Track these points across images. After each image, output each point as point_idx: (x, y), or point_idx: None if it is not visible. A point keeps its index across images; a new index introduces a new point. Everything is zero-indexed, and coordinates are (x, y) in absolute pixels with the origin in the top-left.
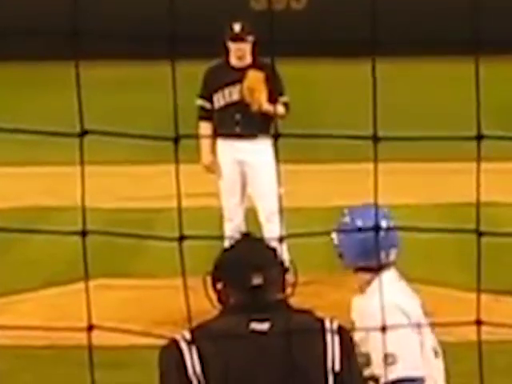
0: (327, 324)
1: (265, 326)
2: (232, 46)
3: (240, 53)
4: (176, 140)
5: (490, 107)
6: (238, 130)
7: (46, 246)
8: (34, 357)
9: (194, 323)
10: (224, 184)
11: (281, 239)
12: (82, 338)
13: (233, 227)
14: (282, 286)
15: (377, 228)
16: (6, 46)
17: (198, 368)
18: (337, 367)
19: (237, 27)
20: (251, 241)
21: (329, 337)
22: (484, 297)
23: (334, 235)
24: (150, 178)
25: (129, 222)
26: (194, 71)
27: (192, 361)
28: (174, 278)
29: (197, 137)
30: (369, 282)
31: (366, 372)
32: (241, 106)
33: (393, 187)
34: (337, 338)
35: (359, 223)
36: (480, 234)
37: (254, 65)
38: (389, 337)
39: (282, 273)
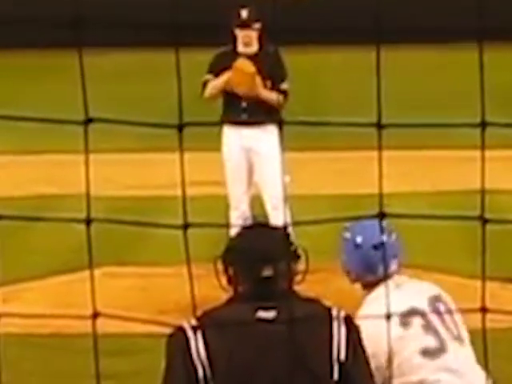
0: (334, 313)
1: (271, 314)
2: (239, 32)
3: (247, 39)
4: (180, 128)
5: (495, 94)
6: (244, 117)
7: (51, 235)
8: (39, 345)
9: (199, 311)
10: (230, 172)
11: (285, 227)
12: (87, 325)
13: (239, 215)
14: (291, 275)
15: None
16: (9, 35)
17: (203, 354)
18: (342, 356)
19: (244, 13)
20: (264, 230)
21: (335, 326)
22: (490, 284)
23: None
24: (154, 166)
25: (133, 210)
26: (198, 60)
27: (197, 347)
28: (178, 266)
29: (201, 124)
30: (367, 294)
31: None
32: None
33: (397, 175)
34: (343, 328)
35: (359, 240)
36: (485, 221)
37: (261, 51)
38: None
39: (293, 262)
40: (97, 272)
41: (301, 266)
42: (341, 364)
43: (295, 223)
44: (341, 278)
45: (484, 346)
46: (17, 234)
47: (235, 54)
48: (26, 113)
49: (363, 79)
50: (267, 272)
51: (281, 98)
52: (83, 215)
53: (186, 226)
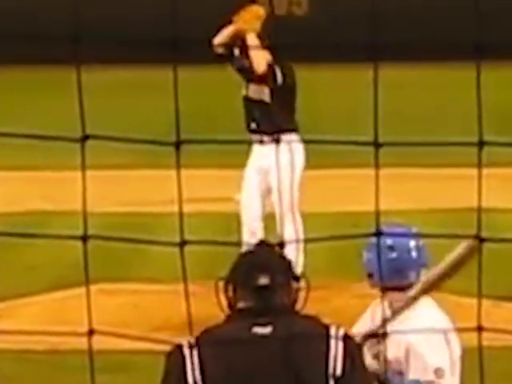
0: (332, 331)
1: (267, 330)
2: (249, 52)
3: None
4: (177, 145)
5: (493, 113)
6: (253, 126)
7: (48, 251)
8: (35, 361)
9: (195, 328)
10: (244, 198)
11: (282, 244)
12: (82, 342)
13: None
14: (288, 291)
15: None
16: (6, 50)
17: (198, 373)
18: (338, 372)
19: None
20: (263, 245)
21: (332, 343)
22: (484, 302)
23: (364, 255)
24: (151, 182)
25: (130, 227)
26: (196, 76)
27: (192, 365)
28: (174, 283)
29: (198, 142)
30: (399, 300)
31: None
32: (259, 104)
33: (394, 193)
34: (341, 344)
35: (389, 242)
36: (481, 240)
37: (270, 68)
38: (438, 352)
39: (290, 279)
40: (92, 288)
41: (300, 286)
42: (336, 380)
43: (292, 241)
44: (339, 297)
45: (480, 364)
46: (12, 250)
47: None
48: (22, 129)
49: (359, 97)
50: (263, 280)
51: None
52: (79, 232)
53: (182, 244)
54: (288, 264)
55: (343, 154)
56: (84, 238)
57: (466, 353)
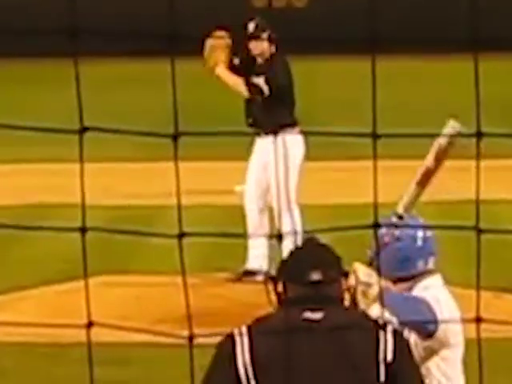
0: (381, 322)
1: (318, 316)
2: (249, 44)
3: (257, 51)
4: (175, 137)
5: (491, 104)
6: (250, 120)
7: (47, 244)
8: (34, 354)
9: (195, 320)
10: (246, 191)
11: (280, 236)
12: (82, 335)
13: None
14: (339, 286)
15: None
16: (4, 44)
17: (248, 356)
18: (389, 357)
19: (250, 26)
20: (312, 243)
21: (381, 332)
22: (483, 294)
23: (368, 250)
24: (149, 175)
25: (129, 220)
26: (193, 69)
27: (243, 349)
28: (173, 276)
29: (196, 134)
30: (409, 289)
31: None
32: (255, 101)
33: (392, 185)
34: (390, 334)
35: (397, 233)
36: (480, 231)
37: (271, 59)
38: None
39: (340, 274)
40: (92, 281)
41: (350, 282)
42: (387, 365)
43: (289, 233)
44: None
45: (479, 355)
46: (12, 242)
47: (253, 62)
48: (22, 122)
49: (359, 89)
50: (316, 276)
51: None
52: (79, 224)
53: (181, 235)
54: (338, 260)
55: (342, 145)
56: (82, 230)
57: (465, 344)
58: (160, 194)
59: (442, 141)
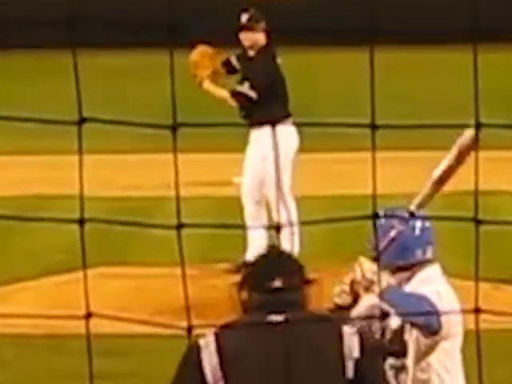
0: (346, 327)
1: (281, 318)
2: (240, 36)
3: (247, 42)
4: (174, 128)
5: (490, 95)
6: (242, 114)
7: (46, 235)
8: (33, 345)
9: (193, 312)
10: (243, 183)
11: (278, 228)
12: (80, 326)
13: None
14: (302, 292)
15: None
16: (3, 35)
17: (215, 358)
18: (355, 354)
19: (244, 17)
20: (275, 252)
21: (345, 329)
22: (482, 285)
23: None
24: (148, 166)
25: (128, 211)
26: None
27: (209, 353)
28: (173, 267)
29: (194, 125)
30: (409, 279)
31: (398, 362)
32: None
33: (391, 176)
34: (354, 333)
35: (395, 223)
36: (478, 222)
37: (258, 54)
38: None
39: (302, 281)
40: (91, 272)
41: (312, 289)
42: (355, 361)
43: (288, 224)
44: (333, 281)
45: (477, 346)
46: (11, 234)
47: (244, 56)
48: (21, 113)
49: (357, 80)
50: (278, 283)
51: (226, 95)
52: (78, 216)
53: (179, 226)
54: (301, 268)
55: (341, 137)
56: (81, 222)
57: (464, 335)
58: (159, 186)
59: (462, 143)
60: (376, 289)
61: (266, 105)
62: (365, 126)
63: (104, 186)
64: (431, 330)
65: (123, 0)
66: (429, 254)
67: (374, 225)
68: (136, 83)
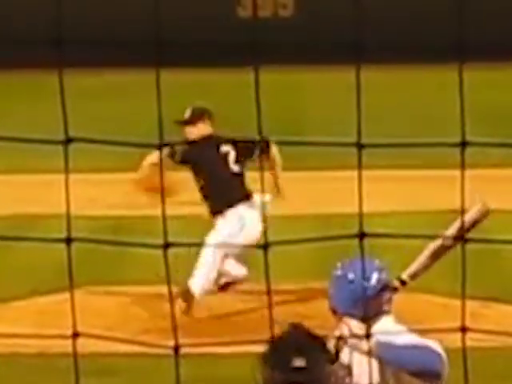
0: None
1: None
2: (184, 129)
3: (192, 135)
4: (160, 147)
5: (476, 114)
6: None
7: (33, 254)
8: (20, 364)
9: (180, 331)
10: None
11: (266, 246)
12: (68, 345)
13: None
14: (324, 369)
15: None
16: None
17: None
18: None
19: (187, 113)
20: (296, 329)
21: None
22: (470, 303)
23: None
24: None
25: (115, 230)
26: (179, 79)
27: None
28: (159, 286)
29: (180, 143)
30: (361, 328)
31: None
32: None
33: (379, 194)
34: None
35: (350, 276)
36: (465, 241)
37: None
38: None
39: (325, 359)
40: (79, 292)
41: (335, 368)
42: None
43: (275, 243)
44: (323, 299)
45: (464, 364)
46: (1, 252)
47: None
48: (7, 132)
49: (344, 99)
50: (299, 362)
51: None
52: (65, 235)
53: (166, 246)
54: (323, 345)
55: (327, 156)
56: (68, 241)
57: (451, 354)
58: (146, 205)
59: (467, 218)
60: (363, 346)
61: (211, 196)
62: (350, 145)
63: (91, 204)
64: (437, 373)
65: (109, 19)
66: (386, 307)
67: (361, 244)
68: (122, 102)
